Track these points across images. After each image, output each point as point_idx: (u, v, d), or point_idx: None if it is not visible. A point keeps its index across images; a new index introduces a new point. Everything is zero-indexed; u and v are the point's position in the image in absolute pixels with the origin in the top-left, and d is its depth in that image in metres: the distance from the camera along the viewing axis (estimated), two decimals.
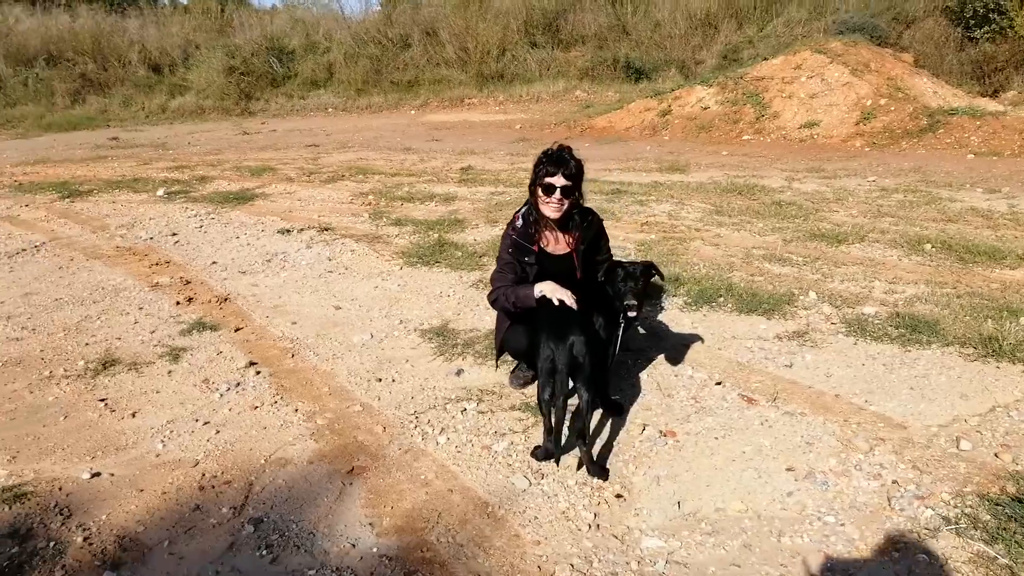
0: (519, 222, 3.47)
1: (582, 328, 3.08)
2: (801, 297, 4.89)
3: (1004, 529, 2.63)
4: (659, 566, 2.58)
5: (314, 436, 3.45)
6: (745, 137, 13.10)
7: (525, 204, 3.52)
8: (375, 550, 2.69)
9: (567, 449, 3.20)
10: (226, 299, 5.31)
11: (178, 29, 24.88)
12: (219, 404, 3.78)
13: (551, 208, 3.34)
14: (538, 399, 3.13)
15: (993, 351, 3.95)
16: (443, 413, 3.62)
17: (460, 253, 6.11)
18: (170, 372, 4.16)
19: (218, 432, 3.50)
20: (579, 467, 3.11)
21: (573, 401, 3.17)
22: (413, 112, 19.45)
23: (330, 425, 3.55)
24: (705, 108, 14.33)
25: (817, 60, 14.07)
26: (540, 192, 3.34)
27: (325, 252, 6.37)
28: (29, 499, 2.98)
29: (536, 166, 3.37)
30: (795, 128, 12.94)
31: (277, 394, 3.87)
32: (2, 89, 21.28)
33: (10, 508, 2.91)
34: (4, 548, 2.70)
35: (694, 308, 4.83)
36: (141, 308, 5.17)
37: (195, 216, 7.83)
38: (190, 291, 5.50)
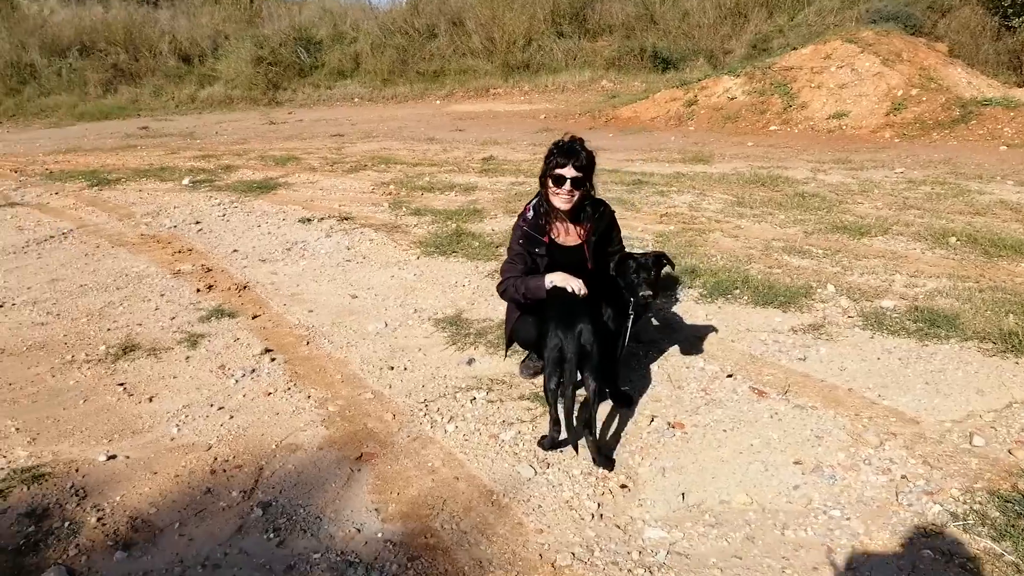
0: (530, 213, 3.47)
1: (591, 317, 3.08)
2: (819, 290, 4.84)
3: (1012, 526, 2.60)
4: (660, 556, 2.58)
5: (325, 423, 3.50)
6: (772, 128, 12.93)
7: (536, 195, 3.52)
8: (380, 535, 2.73)
9: (577, 437, 3.21)
10: (245, 287, 5.39)
11: (208, 20, 25.14)
12: (234, 390, 3.85)
13: (561, 199, 3.33)
14: (545, 388, 3.14)
15: (1013, 346, 3.88)
16: (452, 402, 3.65)
17: (477, 243, 6.12)
18: (188, 358, 4.24)
19: (232, 417, 3.56)
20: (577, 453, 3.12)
21: (582, 391, 3.18)
22: (438, 102, 19.48)
23: (341, 412, 3.59)
24: (732, 98, 14.17)
25: (848, 50, 13.83)
26: (550, 183, 3.33)
27: (344, 241, 6.43)
28: (47, 480, 3.06)
29: (547, 157, 3.37)
30: (823, 119, 12.75)
31: (291, 381, 3.93)
32: (37, 79, 21.69)
33: (28, 488, 3.00)
34: (21, 527, 2.78)
35: (709, 300, 4.80)
36: (163, 295, 5.27)
37: (219, 205, 7.94)
38: (211, 279, 5.58)
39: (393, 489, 2.99)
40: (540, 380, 3.74)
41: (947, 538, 2.60)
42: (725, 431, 3.32)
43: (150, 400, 3.76)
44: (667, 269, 3.55)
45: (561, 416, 3.09)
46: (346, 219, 7.13)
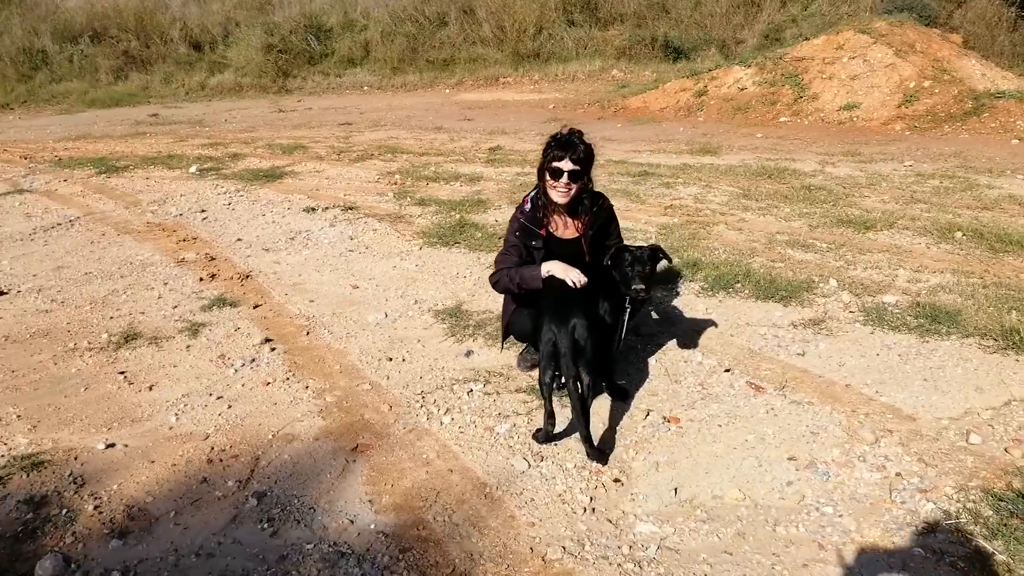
0: (528, 206, 3.46)
1: (585, 312, 3.08)
2: (821, 284, 4.81)
3: (1005, 525, 2.59)
4: (650, 551, 2.59)
5: (322, 413, 3.52)
6: (782, 119, 12.83)
7: (535, 188, 3.51)
8: (372, 527, 2.74)
9: (568, 432, 3.22)
10: (248, 276, 5.41)
11: (219, 6, 25.10)
12: (233, 379, 3.87)
13: (558, 193, 3.32)
14: (539, 382, 3.14)
15: (1014, 343, 3.85)
16: (449, 393, 3.66)
17: (480, 234, 6.12)
18: (188, 347, 4.27)
19: (230, 407, 3.59)
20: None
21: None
22: (447, 91, 19.43)
23: (338, 403, 3.61)
24: (742, 89, 14.06)
25: (860, 40, 13.67)
26: (548, 176, 3.32)
27: (348, 231, 6.44)
28: (46, 467, 3.10)
29: (545, 150, 3.35)
30: (834, 110, 12.63)
31: (290, 371, 3.95)
32: (48, 65, 21.77)
33: (28, 476, 3.03)
34: (20, 514, 2.81)
35: (710, 294, 4.79)
36: (166, 283, 5.30)
37: (224, 193, 7.96)
38: (214, 267, 5.61)
39: (387, 480, 3.01)
40: (537, 373, 3.75)
41: (939, 536, 2.60)
42: (720, 426, 3.32)
43: (150, 389, 3.80)
44: (664, 263, 3.53)
45: (562, 410, 3.09)
46: (350, 209, 7.14)
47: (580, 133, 3.35)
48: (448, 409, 3.51)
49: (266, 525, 2.75)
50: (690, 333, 4.22)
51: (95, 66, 21.73)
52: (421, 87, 20.13)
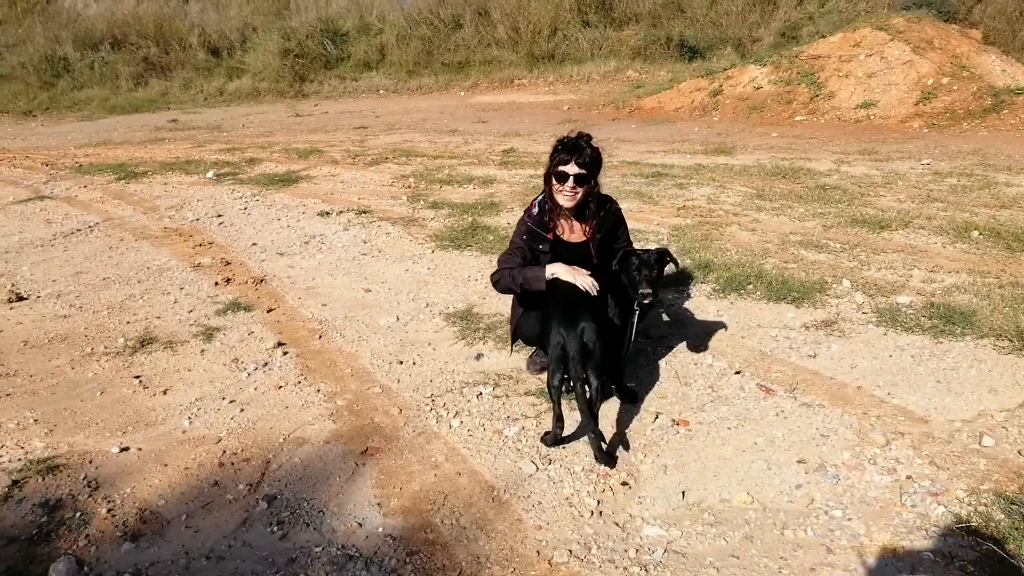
0: (535, 209, 3.47)
1: (593, 315, 3.08)
2: (834, 285, 4.78)
3: (1017, 529, 2.56)
4: (657, 555, 2.59)
5: (333, 416, 3.55)
6: (798, 118, 12.75)
7: (543, 191, 3.52)
8: (381, 530, 2.76)
9: (577, 436, 3.22)
10: (262, 280, 5.47)
11: (236, 12, 25.36)
12: (246, 383, 3.91)
13: (565, 197, 3.33)
14: (548, 385, 3.15)
15: None
16: (459, 397, 3.67)
17: (492, 237, 6.14)
18: (203, 351, 4.32)
19: (242, 410, 3.63)
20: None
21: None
22: (463, 93, 19.48)
23: (349, 406, 3.64)
24: (758, 88, 13.99)
25: (877, 37, 13.57)
26: (554, 180, 3.33)
27: (361, 235, 6.48)
28: (61, 471, 3.14)
29: (552, 154, 3.36)
30: (851, 108, 12.54)
31: (301, 374, 3.99)
32: (70, 72, 22.09)
33: (43, 479, 3.08)
34: (35, 517, 2.86)
35: (721, 295, 4.77)
36: (182, 288, 5.36)
37: (240, 198, 8.04)
38: (229, 272, 5.67)
39: (396, 484, 3.03)
40: (546, 376, 3.76)
41: (949, 540, 2.57)
42: (729, 429, 3.31)
43: (164, 393, 3.85)
44: (671, 267, 3.53)
45: (571, 413, 3.09)
46: (364, 212, 7.19)
47: (588, 137, 3.35)
48: (457, 412, 3.53)
49: (276, 528, 2.78)
50: (701, 335, 4.20)
51: (116, 73, 22.02)
52: (436, 90, 20.20)
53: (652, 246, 5.15)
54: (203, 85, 21.64)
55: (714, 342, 4.13)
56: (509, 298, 3.74)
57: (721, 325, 4.30)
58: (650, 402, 3.58)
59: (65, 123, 17.75)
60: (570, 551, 2.62)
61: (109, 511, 2.89)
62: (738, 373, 3.77)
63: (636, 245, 4.07)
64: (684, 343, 4.13)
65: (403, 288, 5.20)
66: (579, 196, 3.33)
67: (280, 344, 4.34)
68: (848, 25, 14.83)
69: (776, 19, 19.40)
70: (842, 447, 3.12)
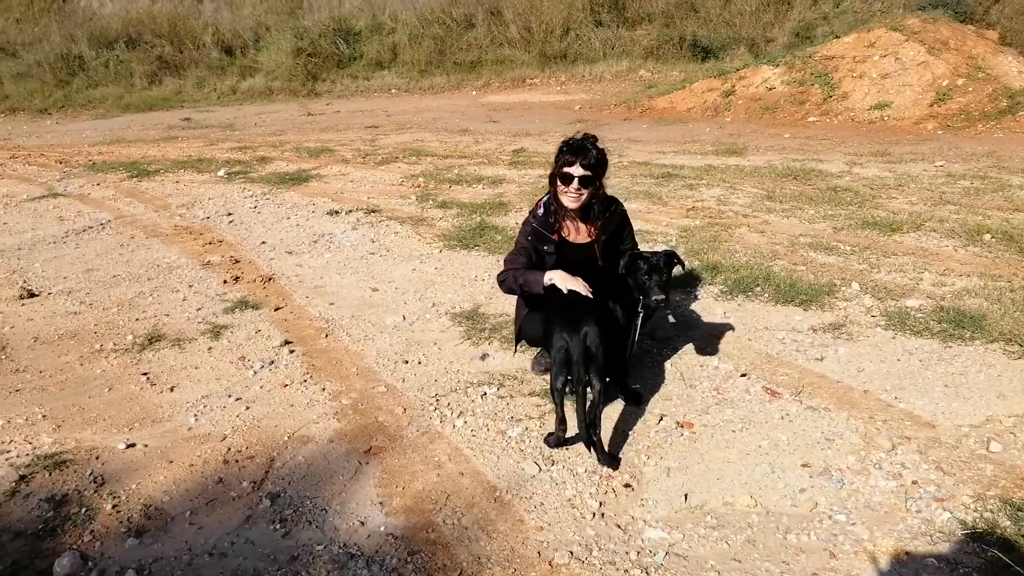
0: (540, 210, 3.47)
1: (596, 318, 3.07)
2: (843, 288, 4.75)
3: (1023, 536, 2.53)
4: (658, 557, 2.58)
5: (337, 415, 3.56)
6: (811, 119, 12.67)
7: (548, 192, 3.51)
8: (383, 529, 2.77)
9: (580, 438, 3.21)
10: (270, 279, 5.49)
11: (250, 11, 25.45)
12: (252, 381, 3.93)
13: (569, 198, 3.32)
14: (551, 388, 3.14)
15: None
16: (463, 397, 3.68)
17: (500, 237, 6.14)
18: (210, 349, 4.34)
19: (248, 408, 3.65)
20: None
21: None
22: (474, 93, 19.48)
23: (354, 405, 3.65)
24: (771, 88, 13.90)
25: (892, 38, 13.45)
26: (559, 181, 3.32)
27: (369, 234, 6.50)
28: (68, 467, 3.17)
29: (557, 155, 3.36)
30: (864, 110, 12.44)
31: (307, 373, 4.00)
32: (85, 71, 22.25)
33: (50, 475, 3.11)
34: (42, 512, 2.89)
35: (729, 297, 4.75)
36: (191, 286, 5.40)
37: (251, 196, 8.08)
38: (238, 270, 5.70)
39: (399, 483, 3.04)
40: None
41: (954, 547, 2.55)
42: (734, 431, 3.29)
43: (171, 390, 3.87)
44: (678, 269, 3.52)
45: (574, 415, 3.08)
46: (373, 212, 7.21)
47: (593, 138, 3.34)
48: (461, 412, 3.53)
49: (278, 526, 2.79)
50: (707, 337, 4.19)
51: (130, 71, 22.15)
52: (448, 89, 20.21)
53: (660, 247, 5.16)
54: (216, 84, 21.75)
55: (720, 344, 4.11)
56: (515, 298, 3.74)
57: (728, 327, 4.28)
58: (655, 404, 3.57)
59: (80, 121, 17.89)
60: (571, 552, 2.61)
61: (114, 507, 2.91)
62: (744, 376, 3.75)
63: (644, 246, 4.07)
64: (690, 345, 4.12)
65: (410, 287, 5.20)
66: (584, 197, 3.32)
67: (287, 342, 4.36)
68: (863, 25, 14.72)
69: (790, 19, 19.29)
70: (847, 451, 3.10)
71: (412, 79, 21.02)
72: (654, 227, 6.22)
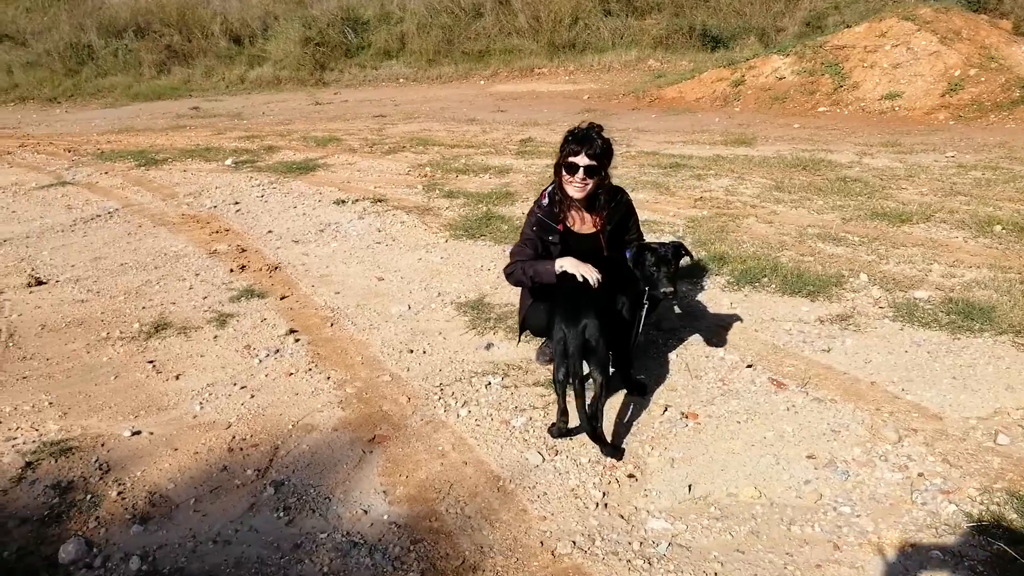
0: (545, 200, 3.45)
1: (597, 310, 3.04)
2: (851, 279, 4.71)
3: None
4: (661, 548, 2.57)
5: (342, 404, 3.56)
6: (821, 109, 12.57)
7: (552, 182, 3.49)
8: (386, 517, 2.77)
9: (580, 430, 3.20)
10: (277, 268, 5.49)
11: (258, 0, 25.41)
12: (257, 369, 3.94)
13: (575, 188, 3.29)
14: (553, 378, 3.13)
15: None
16: (468, 386, 3.67)
17: (506, 226, 6.12)
18: (216, 337, 4.35)
19: (253, 396, 3.65)
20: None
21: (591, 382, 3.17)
22: (482, 82, 19.40)
23: (358, 394, 3.65)
24: (780, 78, 13.80)
25: (904, 27, 13.32)
26: (564, 171, 3.30)
27: (376, 223, 6.49)
28: (74, 454, 3.18)
29: (562, 145, 3.33)
30: (875, 100, 12.34)
31: (312, 362, 4.00)
32: (94, 60, 22.27)
33: (56, 461, 3.12)
34: (47, 498, 2.90)
35: (736, 288, 4.72)
36: (197, 274, 5.40)
37: (258, 185, 8.08)
38: (244, 259, 5.70)
39: (402, 472, 3.04)
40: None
41: (960, 539, 2.54)
42: (739, 423, 3.28)
43: (177, 378, 3.88)
44: (685, 259, 3.49)
45: (572, 407, 3.08)
46: (379, 201, 7.20)
47: (599, 128, 3.31)
48: (466, 402, 3.53)
49: (282, 514, 2.80)
50: (713, 328, 4.17)
51: (139, 60, 22.15)
52: (456, 79, 20.13)
53: (667, 238, 5.14)
54: (225, 73, 21.72)
55: (727, 335, 4.08)
56: (520, 288, 3.72)
57: (734, 318, 4.26)
58: (660, 394, 3.56)
59: (89, 110, 17.93)
60: (574, 542, 2.61)
61: (119, 494, 2.92)
62: (750, 367, 3.74)
63: (651, 237, 4.05)
64: (696, 336, 4.10)
65: (416, 277, 5.20)
66: (589, 187, 3.30)
67: (292, 331, 4.37)
68: (874, 15, 14.58)
69: (801, 8, 19.10)
70: (853, 443, 3.08)
71: (420, 68, 20.95)
72: (661, 217, 6.19)
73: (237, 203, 7.40)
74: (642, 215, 3.83)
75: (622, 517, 2.74)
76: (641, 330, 3.46)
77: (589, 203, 3.40)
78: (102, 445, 3.25)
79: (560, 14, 20.76)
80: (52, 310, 4.83)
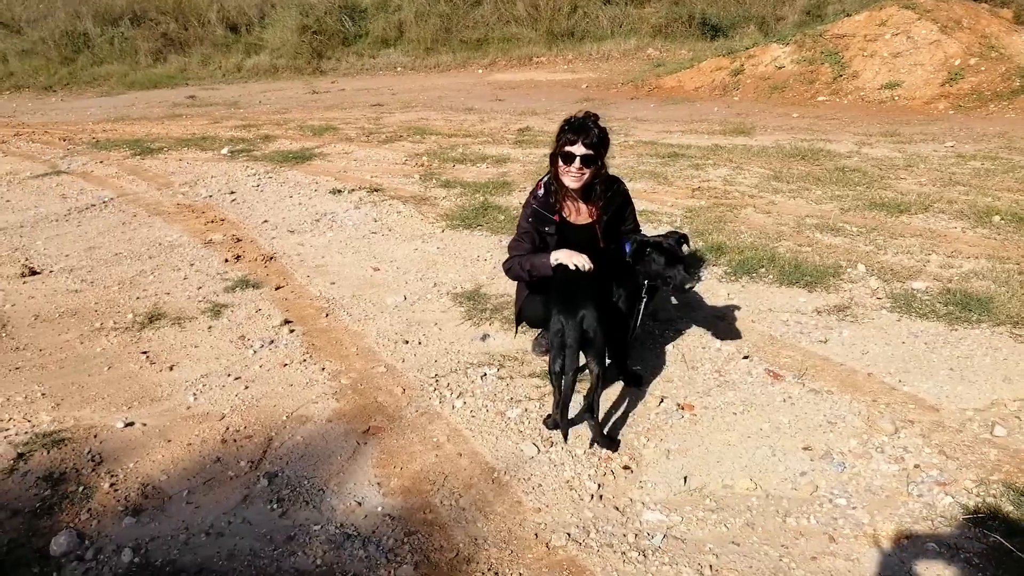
0: (540, 191, 3.42)
1: (594, 301, 3.02)
2: (848, 270, 4.69)
3: None
4: (656, 540, 2.56)
5: (336, 395, 3.54)
6: (820, 98, 12.52)
7: (548, 172, 3.46)
8: (380, 509, 2.76)
9: (578, 421, 3.19)
10: (272, 258, 5.47)
11: None
12: (251, 360, 3.92)
13: (571, 178, 3.26)
14: (549, 370, 3.11)
15: None
16: (463, 377, 3.65)
17: (503, 217, 6.09)
18: (210, 328, 4.33)
19: (247, 388, 3.63)
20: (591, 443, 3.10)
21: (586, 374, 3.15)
22: (480, 71, 19.30)
23: (353, 385, 3.63)
24: (780, 67, 13.73)
25: (904, 16, 13.25)
26: (560, 161, 3.26)
27: (372, 213, 6.46)
28: (66, 445, 3.17)
29: (558, 134, 3.29)
30: (874, 89, 12.28)
31: (307, 352, 3.98)
32: (90, 48, 22.14)
33: (48, 453, 3.11)
34: (39, 490, 2.89)
35: (733, 279, 4.70)
36: (192, 264, 5.37)
37: (254, 175, 8.03)
38: (239, 249, 5.67)
39: (397, 463, 3.02)
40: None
41: (956, 532, 2.53)
42: (735, 414, 3.26)
43: (171, 369, 3.86)
44: (684, 249, 3.47)
45: (578, 397, 3.06)
46: (376, 191, 7.16)
47: (595, 117, 3.28)
48: (461, 393, 3.51)
49: (275, 506, 2.79)
50: (710, 319, 4.15)
51: (135, 48, 22.02)
52: (454, 67, 20.03)
53: (664, 228, 5.11)
54: (221, 61, 21.60)
55: (723, 326, 4.07)
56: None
57: (731, 309, 4.24)
58: (655, 386, 3.54)
59: (84, 98, 17.84)
60: (568, 534, 2.60)
61: (112, 485, 2.90)
62: (746, 358, 3.72)
63: (649, 227, 4.02)
64: (692, 327, 4.09)
65: (412, 267, 5.17)
66: (586, 177, 3.27)
67: (287, 322, 4.34)
68: (874, 3, 14.49)
69: None
70: (849, 434, 3.07)
71: (418, 57, 20.84)
72: (659, 207, 6.16)
73: (233, 192, 7.35)
74: (640, 205, 3.80)
75: (617, 509, 2.73)
76: (639, 322, 3.44)
77: (585, 193, 3.37)
78: (95, 436, 3.24)
79: (559, 2, 20.66)
80: (46, 300, 4.80)
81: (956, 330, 3.88)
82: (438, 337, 4.12)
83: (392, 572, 2.46)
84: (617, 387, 3.50)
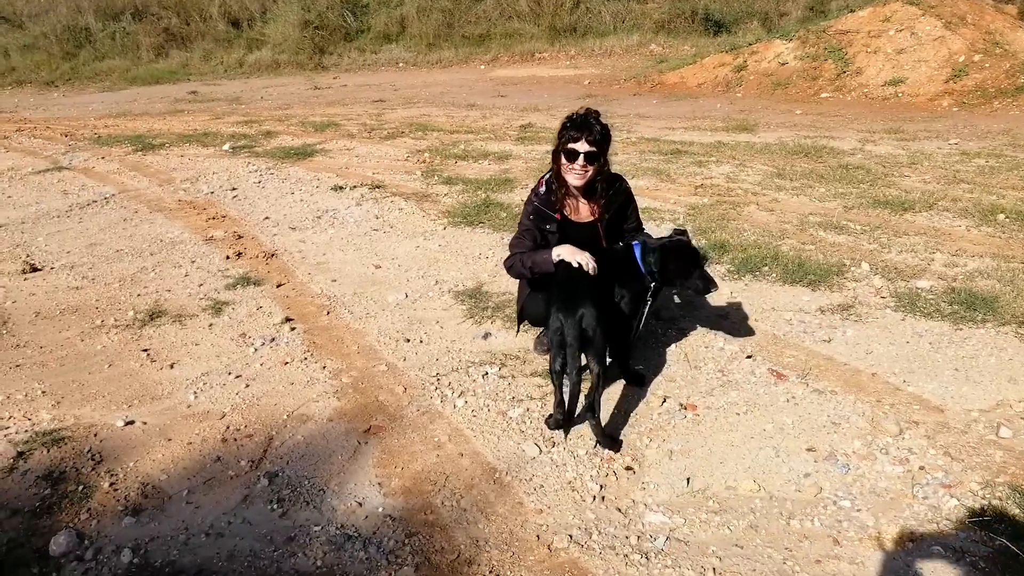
0: (542, 188, 3.39)
1: (594, 300, 3.00)
2: (852, 268, 4.67)
3: None
4: (659, 542, 2.54)
5: (337, 394, 3.52)
6: (823, 95, 12.48)
7: (550, 170, 3.43)
8: (380, 510, 2.74)
9: (580, 421, 3.17)
10: (273, 255, 5.45)
11: None
12: (252, 358, 3.90)
13: (574, 175, 3.24)
14: (550, 369, 3.09)
15: None
16: (465, 376, 3.63)
17: (504, 214, 6.07)
18: (211, 325, 4.31)
19: (248, 386, 3.62)
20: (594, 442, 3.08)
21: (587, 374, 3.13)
22: (483, 67, 19.27)
23: (354, 384, 3.62)
24: (783, 64, 13.70)
25: (908, 12, 13.20)
26: (563, 158, 3.24)
27: (374, 210, 6.44)
28: (66, 443, 3.15)
29: (560, 131, 3.27)
30: (878, 86, 12.24)
31: (308, 351, 3.96)
32: (92, 43, 22.13)
33: (48, 451, 3.09)
34: (39, 489, 2.87)
35: (736, 277, 4.67)
36: (193, 261, 5.36)
37: (255, 171, 8.02)
38: (241, 246, 5.66)
39: (398, 463, 3.00)
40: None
41: (961, 535, 2.50)
42: (738, 414, 3.24)
43: (171, 367, 3.84)
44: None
45: (565, 399, 3.04)
46: (378, 187, 7.14)
47: (597, 113, 3.26)
48: (462, 392, 3.49)
49: (276, 506, 2.77)
50: (713, 318, 4.13)
51: (137, 44, 22.02)
52: (456, 63, 19.99)
53: (667, 226, 5.09)
54: (223, 57, 21.58)
55: (726, 325, 4.04)
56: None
57: (734, 308, 4.22)
58: (658, 385, 3.52)
59: (86, 94, 17.83)
60: (570, 536, 2.58)
61: (111, 485, 2.89)
62: (749, 357, 3.70)
63: (650, 225, 3.99)
64: (695, 326, 4.06)
65: (413, 265, 5.15)
66: (589, 174, 3.24)
67: (288, 320, 4.33)
68: None
69: None
70: (853, 435, 3.05)
71: (420, 53, 20.80)
72: (662, 205, 6.14)
73: (234, 189, 7.34)
74: (642, 203, 3.78)
75: (619, 510, 2.71)
76: (643, 322, 3.41)
77: (587, 191, 3.34)
78: (95, 435, 3.22)
79: None
80: (46, 297, 4.79)
81: (961, 330, 3.85)
82: (439, 335, 4.10)
83: (393, 574, 2.44)
84: (619, 386, 3.48)
